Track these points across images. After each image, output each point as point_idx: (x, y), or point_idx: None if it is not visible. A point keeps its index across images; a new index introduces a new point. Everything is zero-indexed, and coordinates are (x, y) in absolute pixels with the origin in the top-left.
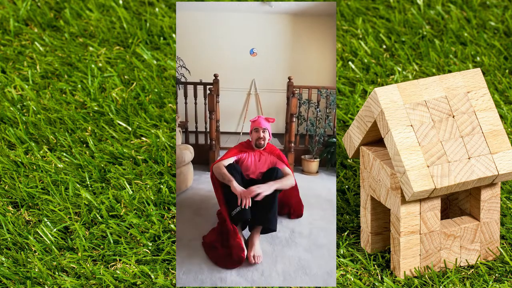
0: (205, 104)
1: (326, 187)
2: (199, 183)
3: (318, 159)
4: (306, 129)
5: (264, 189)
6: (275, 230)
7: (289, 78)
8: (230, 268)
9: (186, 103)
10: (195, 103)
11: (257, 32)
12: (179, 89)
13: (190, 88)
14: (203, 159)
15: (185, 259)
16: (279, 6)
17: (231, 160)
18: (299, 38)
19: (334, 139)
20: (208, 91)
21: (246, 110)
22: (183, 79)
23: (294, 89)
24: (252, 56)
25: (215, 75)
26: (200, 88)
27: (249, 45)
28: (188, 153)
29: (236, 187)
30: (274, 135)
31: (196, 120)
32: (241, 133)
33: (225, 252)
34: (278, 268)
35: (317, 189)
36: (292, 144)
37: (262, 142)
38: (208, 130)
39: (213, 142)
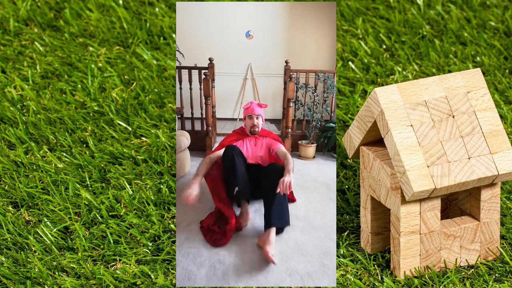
0: (200, 89)
1: (322, 172)
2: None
3: (315, 144)
4: (303, 114)
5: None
6: (289, 225)
7: (286, 62)
8: (225, 243)
9: (181, 88)
10: (190, 89)
11: (253, 15)
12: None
13: (185, 73)
14: (200, 145)
15: (184, 242)
16: None
17: (220, 153)
18: (297, 21)
19: (332, 124)
20: (203, 76)
21: (243, 96)
22: (177, 63)
23: (291, 73)
24: (248, 39)
25: (210, 59)
26: (195, 73)
27: (245, 28)
28: (184, 139)
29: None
30: (271, 120)
31: (191, 105)
32: (238, 119)
33: (222, 234)
34: (275, 249)
35: (314, 174)
36: (289, 130)
37: (257, 129)
38: (204, 116)
39: (210, 128)
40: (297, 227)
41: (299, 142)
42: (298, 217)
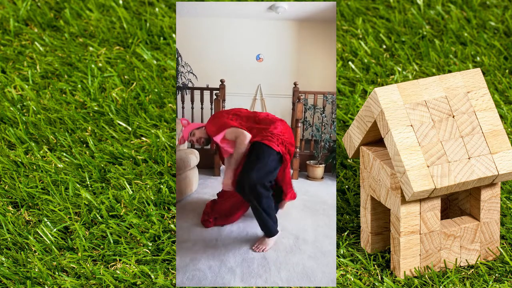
0: (211, 109)
1: (331, 193)
2: (204, 187)
3: (323, 165)
4: (312, 134)
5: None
6: (273, 235)
7: (295, 84)
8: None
9: (192, 108)
10: (202, 108)
11: (263, 38)
12: (186, 94)
13: (197, 93)
14: (208, 163)
15: (189, 264)
16: (285, 12)
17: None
18: (304, 44)
19: None
20: (214, 96)
21: None
22: (190, 85)
23: (299, 95)
24: (258, 61)
25: (222, 81)
26: (206, 93)
27: (256, 51)
28: (193, 157)
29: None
30: None
31: None
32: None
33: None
34: (282, 276)
35: (322, 196)
36: (298, 150)
37: (200, 144)
38: None
39: None
40: (306, 252)
41: (307, 162)
42: (307, 241)
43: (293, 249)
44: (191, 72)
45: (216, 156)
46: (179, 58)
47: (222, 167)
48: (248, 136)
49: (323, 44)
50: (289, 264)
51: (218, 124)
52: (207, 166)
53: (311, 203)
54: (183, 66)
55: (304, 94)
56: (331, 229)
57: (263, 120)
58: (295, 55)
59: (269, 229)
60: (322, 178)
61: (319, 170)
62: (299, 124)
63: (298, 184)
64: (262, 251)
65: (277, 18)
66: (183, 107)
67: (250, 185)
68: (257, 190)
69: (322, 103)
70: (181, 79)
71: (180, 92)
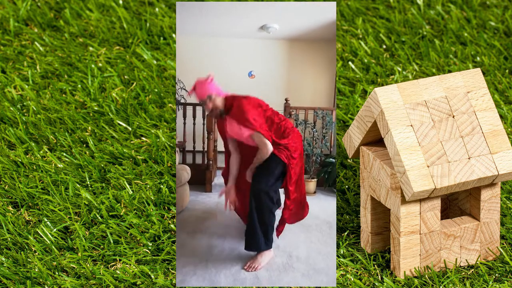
0: (203, 124)
1: (324, 209)
2: (195, 204)
3: (315, 179)
4: (303, 149)
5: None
6: (256, 250)
7: (286, 100)
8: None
9: (184, 123)
10: (194, 124)
11: (255, 56)
12: (178, 110)
13: (189, 109)
14: (200, 178)
15: (179, 284)
16: (276, 32)
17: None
18: (296, 62)
19: (332, 159)
20: (206, 112)
21: None
22: (182, 100)
23: (290, 110)
24: (250, 78)
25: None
26: (199, 109)
27: (248, 68)
28: (184, 173)
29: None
30: None
31: (194, 140)
32: None
33: None
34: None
35: (315, 211)
36: None
37: (214, 111)
38: (205, 149)
39: (211, 162)
40: (299, 270)
41: None
42: (300, 259)
43: (286, 267)
44: (184, 88)
45: (208, 172)
46: None
47: (214, 182)
48: (270, 151)
49: (312, 61)
50: (282, 282)
51: (251, 114)
52: (199, 182)
53: (304, 218)
54: (176, 83)
55: (295, 110)
56: (324, 246)
57: (283, 135)
58: (285, 72)
59: (256, 243)
60: (315, 192)
61: (311, 184)
62: None
63: None
64: (254, 270)
65: (268, 37)
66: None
67: (255, 192)
68: (262, 199)
69: (313, 118)
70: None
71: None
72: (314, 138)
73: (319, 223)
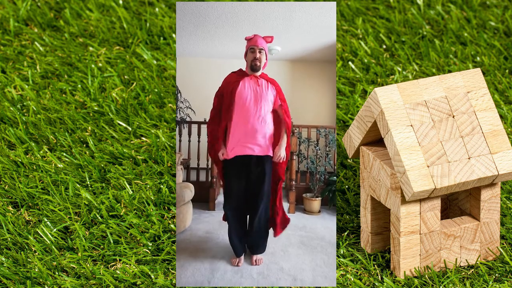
0: (207, 142)
1: (329, 229)
2: (198, 223)
3: (320, 198)
4: (307, 166)
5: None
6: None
7: None
8: None
9: (189, 141)
10: (198, 141)
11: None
12: (184, 128)
13: (194, 127)
14: (204, 196)
15: None
16: (278, 53)
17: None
18: (298, 82)
19: (335, 177)
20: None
21: None
22: (188, 119)
23: (293, 128)
24: None
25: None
26: (203, 127)
27: None
28: (188, 191)
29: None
30: None
31: (198, 157)
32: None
33: None
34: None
35: (320, 232)
36: (293, 182)
37: (258, 63)
38: (209, 167)
39: (214, 179)
40: None
41: (304, 195)
42: (304, 282)
43: None
44: (190, 107)
45: (212, 190)
46: (179, 94)
47: (217, 200)
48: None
49: (318, 82)
50: None
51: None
52: (202, 200)
53: (308, 239)
54: (182, 102)
55: (298, 128)
56: (330, 269)
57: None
58: (288, 92)
59: (265, 245)
60: (319, 211)
61: (316, 203)
62: (294, 157)
63: (295, 219)
64: (261, 262)
65: (271, 58)
66: (180, 140)
67: (267, 194)
68: (267, 200)
69: (316, 136)
70: (180, 113)
71: (178, 126)
72: (318, 156)
73: (324, 244)
